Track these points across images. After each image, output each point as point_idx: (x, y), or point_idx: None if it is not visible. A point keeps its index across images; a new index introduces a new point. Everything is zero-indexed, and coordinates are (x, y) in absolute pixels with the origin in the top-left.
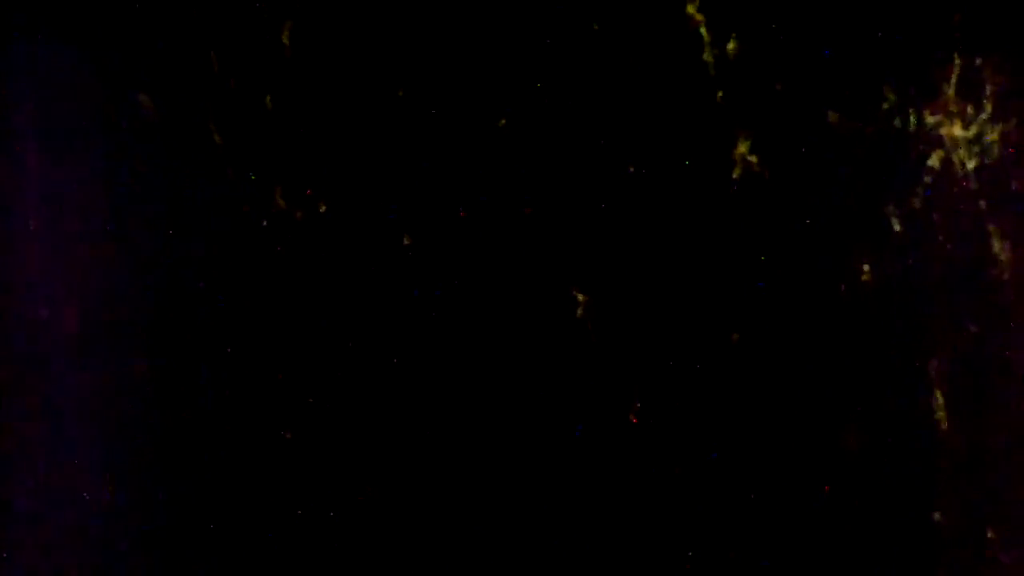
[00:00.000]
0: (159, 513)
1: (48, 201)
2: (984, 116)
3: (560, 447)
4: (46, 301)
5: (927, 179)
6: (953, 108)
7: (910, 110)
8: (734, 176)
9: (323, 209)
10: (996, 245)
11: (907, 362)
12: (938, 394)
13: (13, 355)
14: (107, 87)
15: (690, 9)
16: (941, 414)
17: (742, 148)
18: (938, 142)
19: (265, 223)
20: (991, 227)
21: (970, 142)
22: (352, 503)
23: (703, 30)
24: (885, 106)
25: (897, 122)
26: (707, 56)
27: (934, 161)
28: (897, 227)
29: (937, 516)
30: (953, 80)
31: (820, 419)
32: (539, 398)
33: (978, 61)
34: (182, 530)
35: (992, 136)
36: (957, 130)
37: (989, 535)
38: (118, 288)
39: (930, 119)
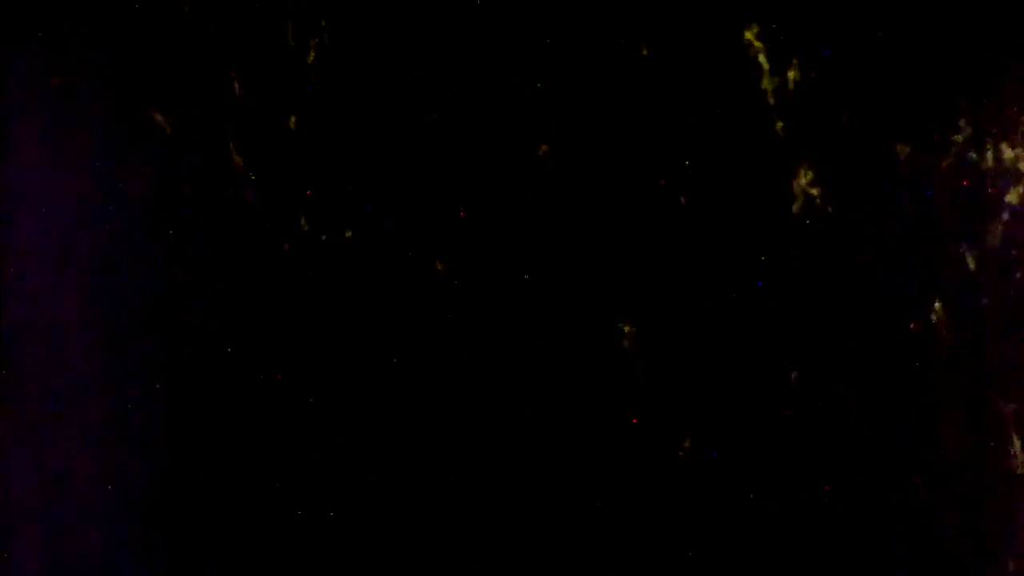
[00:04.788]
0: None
1: (57, 219)
2: None
3: (607, 477)
4: (55, 316)
5: (1004, 215)
6: None
7: (986, 143)
8: (794, 210)
9: (349, 234)
10: None
11: (982, 406)
12: (1015, 439)
13: (25, 359)
14: (123, 106)
15: (748, 35)
16: (1019, 458)
17: (803, 181)
18: (1017, 177)
19: (287, 247)
20: None
21: None
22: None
23: (762, 58)
24: (959, 139)
25: (972, 156)
26: (766, 84)
27: (1012, 197)
28: (972, 265)
29: (1012, 566)
30: None
31: (887, 465)
32: (585, 428)
33: None
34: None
35: None
36: None
37: None
38: (133, 311)
39: (1008, 153)
